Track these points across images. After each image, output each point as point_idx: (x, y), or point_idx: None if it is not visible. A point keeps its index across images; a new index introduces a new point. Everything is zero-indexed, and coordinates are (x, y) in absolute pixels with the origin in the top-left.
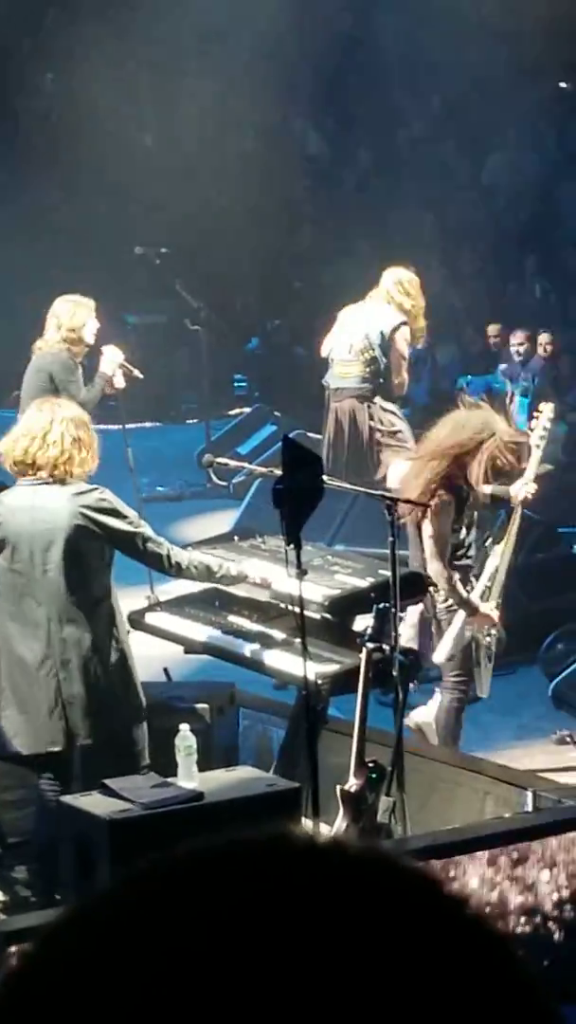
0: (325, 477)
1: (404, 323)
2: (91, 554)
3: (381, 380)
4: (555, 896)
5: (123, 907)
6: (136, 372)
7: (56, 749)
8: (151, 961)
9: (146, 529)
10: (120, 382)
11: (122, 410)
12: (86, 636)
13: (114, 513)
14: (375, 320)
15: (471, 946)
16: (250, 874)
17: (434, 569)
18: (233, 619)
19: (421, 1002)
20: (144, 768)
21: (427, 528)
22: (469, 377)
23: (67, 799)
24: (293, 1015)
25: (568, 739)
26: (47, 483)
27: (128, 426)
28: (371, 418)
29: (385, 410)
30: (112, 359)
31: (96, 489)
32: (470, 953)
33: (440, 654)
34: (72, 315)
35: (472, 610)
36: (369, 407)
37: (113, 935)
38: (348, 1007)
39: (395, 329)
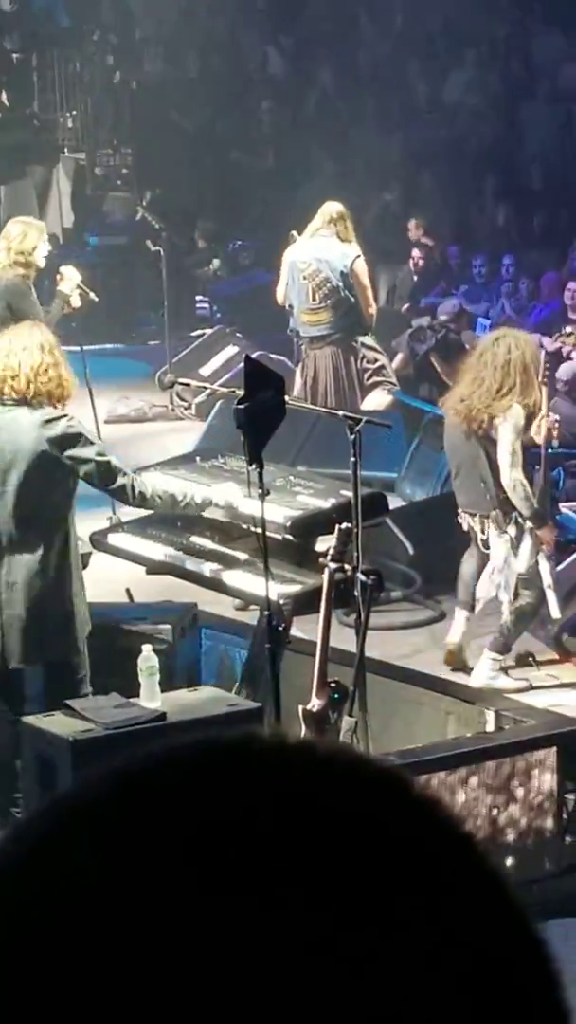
0: (287, 397)
1: (359, 255)
2: (52, 481)
3: (353, 319)
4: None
5: (115, 809)
6: (92, 295)
7: None
8: (156, 867)
9: (112, 459)
10: (76, 301)
11: (79, 331)
12: (35, 561)
13: (81, 441)
14: (331, 259)
15: (449, 843)
16: (233, 777)
17: (514, 476)
18: (195, 540)
19: (404, 903)
20: (84, 696)
21: (505, 435)
22: (432, 298)
23: (29, 719)
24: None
25: (530, 659)
26: (16, 405)
27: (88, 347)
28: (358, 360)
29: (367, 347)
30: (71, 280)
31: (65, 416)
32: (450, 850)
33: (521, 563)
34: (23, 237)
35: (542, 522)
36: (353, 349)
37: (109, 840)
38: (340, 909)
39: (353, 262)
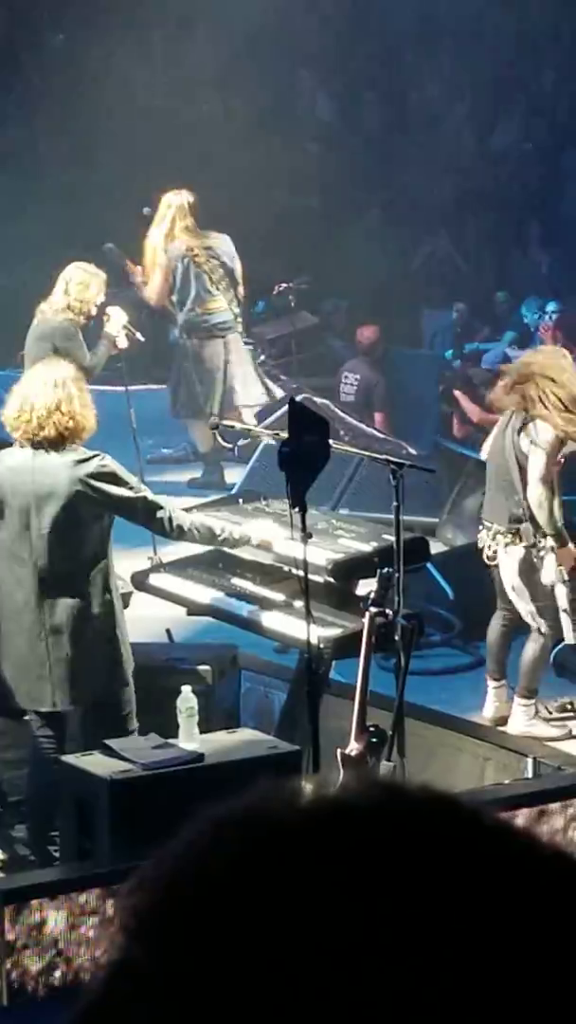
0: (331, 441)
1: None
2: (88, 520)
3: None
4: None
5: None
6: (138, 335)
7: (42, 709)
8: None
9: (147, 493)
10: (123, 342)
11: (125, 371)
12: (76, 602)
13: (115, 479)
14: (217, 246)
15: None
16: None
17: (540, 493)
18: (236, 581)
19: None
20: (131, 732)
21: (538, 450)
22: (476, 344)
23: (68, 758)
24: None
25: (569, 707)
26: (47, 447)
27: (132, 387)
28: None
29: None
30: (117, 321)
31: (97, 455)
32: None
33: (546, 579)
34: (84, 286)
35: (564, 541)
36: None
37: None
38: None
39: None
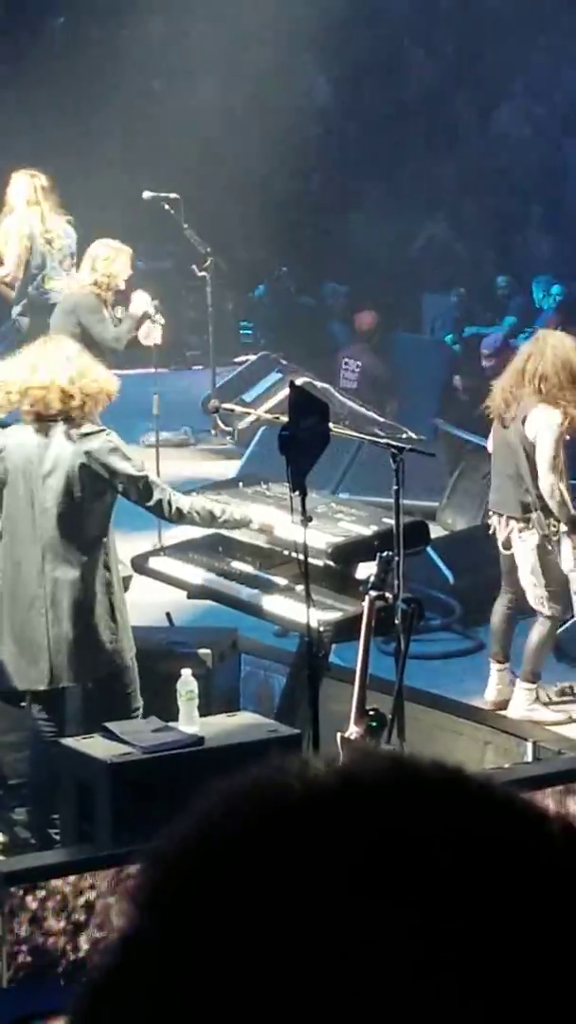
0: (331, 424)
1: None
2: (92, 496)
3: None
4: None
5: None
6: (160, 319)
7: (40, 688)
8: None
9: (149, 474)
10: (157, 336)
11: (154, 356)
12: (78, 578)
13: (119, 456)
14: (67, 231)
15: None
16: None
17: (551, 482)
18: (236, 565)
19: None
20: (135, 710)
21: (544, 439)
22: (476, 328)
23: (67, 741)
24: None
25: (569, 691)
26: (53, 421)
27: (132, 372)
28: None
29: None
30: (142, 303)
31: (103, 431)
32: None
33: (565, 566)
34: (111, 260)
35: None
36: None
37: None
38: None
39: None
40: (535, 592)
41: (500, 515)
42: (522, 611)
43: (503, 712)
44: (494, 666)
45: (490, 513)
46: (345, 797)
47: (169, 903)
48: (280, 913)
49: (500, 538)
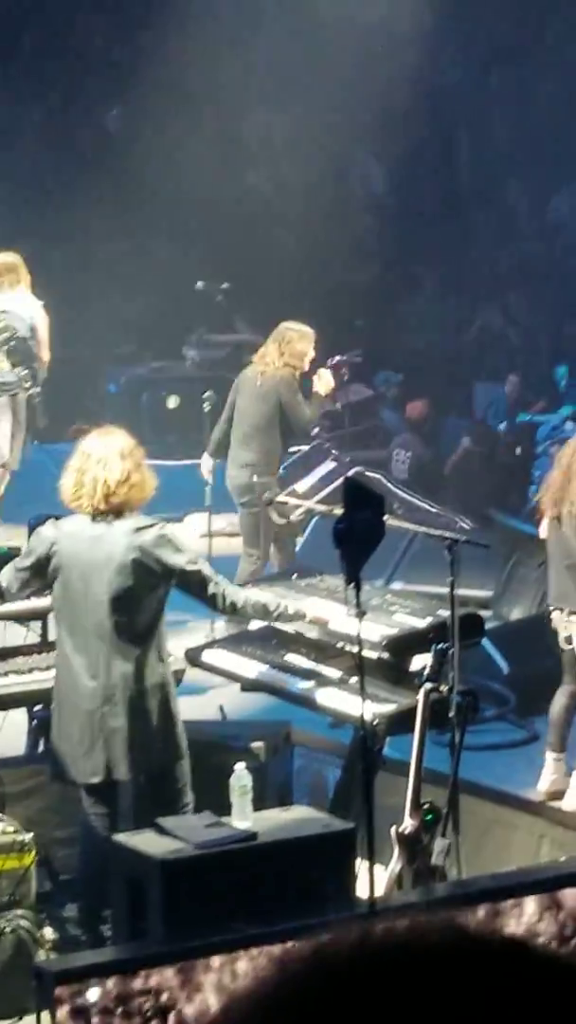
0: (386, 516)
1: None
2: (145, 589)
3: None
4: None
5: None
6: (338, 405)
7: (95, 781)
8: None
9: (204, 567)
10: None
11: (181, 444)
12: (133, 671)
13: (173, 549)
14: (17, 312)
15: None
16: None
17: None
18: (290, 657)
19: None
20: (185, 805)
21: None
22: (530, 415)
23: (119, 837)
24: None
25: None
26: (106, 515)
27: (185, 461)
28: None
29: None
30: (327, 382)
31: (156, 524)
32: None
33: None
34: (297, 342)
35: None
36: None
37: None
38: None
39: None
40: None
41: (561, 609)
42: None
43: (557, 803)
44: (550, 755)
45: (550, 607)
46: (404, 972)
47: None
48: None
49: (562, 633)
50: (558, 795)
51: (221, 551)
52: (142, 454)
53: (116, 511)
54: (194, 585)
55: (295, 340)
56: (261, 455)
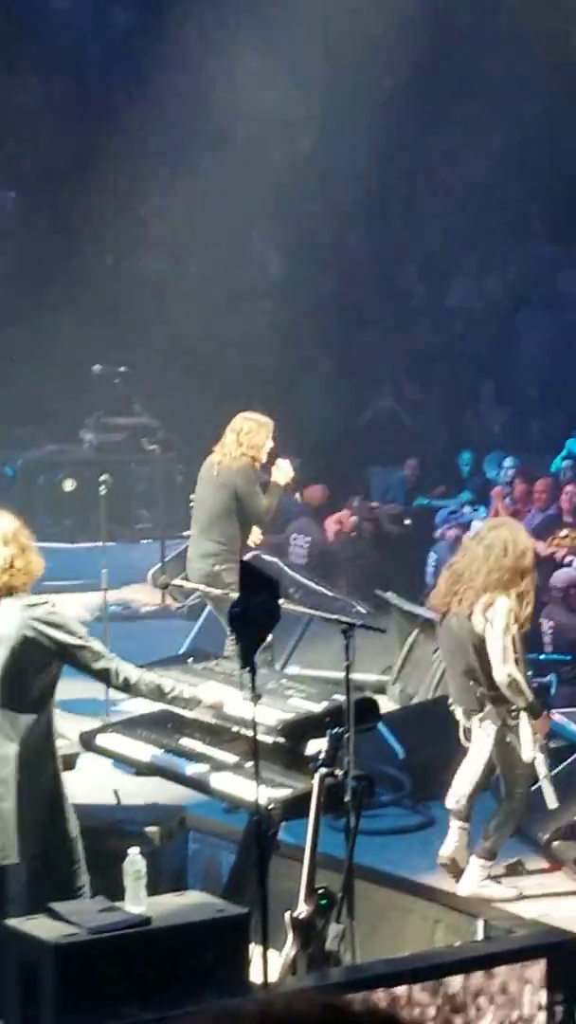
0: (282, 599)
1: None
2: (34, 667)
3: None
4: None
5: None
6: (297, 496)
7: None
8: None
9: (95, 644)
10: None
11: (75, 527)
12: (19, 752)
13: (63, 627)
14: None
15: None
16: None
17: (507, 672)
18: (184, 741)
19: None
20: (81, 887)
21: (495, 631)
22: (428, 500)
23: (11, 922)
24: None
25: (519, 867)
26: None
27: (82, 544)
28: None
29: None
30: (285, 472)
31: (46, 602)
32: None
33: (527, 754)
34: (255, 433)
35: (538, 712)
36: None
37: None
38: None
39: None
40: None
41: (460, 708)
42: (488, 785)
43: (452, 890)
44: (455, 823)
45: (450, 703)
46: None
47: None
48: None
49: (462, 725)
50: (456, 865)
51: (116, 634)
52: (27, 536)
53: (3, 593)
54: (86, 662)
55: (253, 431)
56: (222, 544)
